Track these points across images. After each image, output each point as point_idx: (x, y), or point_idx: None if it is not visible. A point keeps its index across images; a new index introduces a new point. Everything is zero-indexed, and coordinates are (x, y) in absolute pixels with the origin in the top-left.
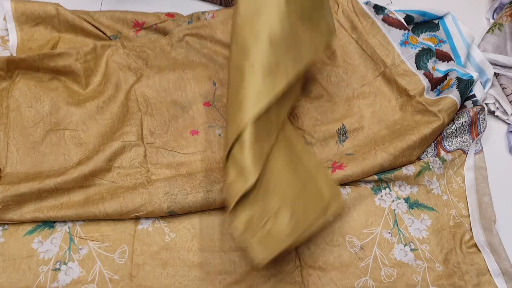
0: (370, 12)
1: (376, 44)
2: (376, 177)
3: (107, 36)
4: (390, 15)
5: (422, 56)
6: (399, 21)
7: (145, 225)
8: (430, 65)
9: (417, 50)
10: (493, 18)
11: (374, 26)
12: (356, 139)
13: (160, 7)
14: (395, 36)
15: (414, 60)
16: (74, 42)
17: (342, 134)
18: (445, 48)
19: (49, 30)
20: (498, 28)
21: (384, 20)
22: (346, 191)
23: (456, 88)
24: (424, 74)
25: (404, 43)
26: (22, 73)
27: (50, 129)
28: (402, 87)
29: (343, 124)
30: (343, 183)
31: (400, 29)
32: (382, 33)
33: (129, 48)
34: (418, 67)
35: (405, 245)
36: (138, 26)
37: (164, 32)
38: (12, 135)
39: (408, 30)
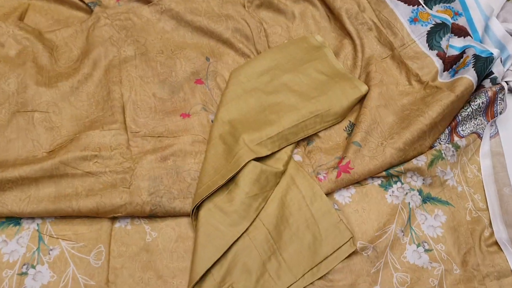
0: None
1: (383, 22)
2: (384, 173)
3: (84, 3)
4: None
5: (435, 34)
6: None
7: (123, 223)
8: (444, 43)
9: (428, 28)
10: None
11: (380, 0)
12: (363, 124)
13: None
14: (403, 12)
15: (425, 39)
16: (46, 9)
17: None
18: (461, 21)
19: None
20: None
21: None
22: (350, 192)
23: (473, 67)
24: (438, 54)
25: (413, 20)
26: None
27: (16, 110)
28: (413, 72)
29: (349, 121)
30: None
31: (408, 4)
32: (389, 9)
33: (111, 17)
34: (431, 47)
35: (418, 245)
36: None
37: (148, 0)
38: None
39: (418, 5)
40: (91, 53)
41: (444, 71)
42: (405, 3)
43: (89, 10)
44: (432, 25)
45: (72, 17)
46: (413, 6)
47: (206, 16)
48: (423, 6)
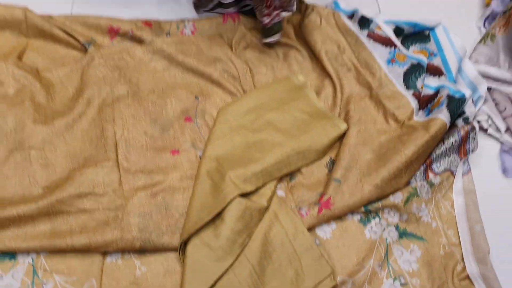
0: (354, 28)
1: (362, 63)
2: (363, 208)
3: (80, 43)
4: (376, 30)
5: (411, 75)
6: (385, 37)
7: (114, 258)
8: (419, 83)
9: (405, 69)
10: (485, 27)
11: (358, 43)
12: (342, 161)
13: (133, 12)
14: (381, 53)
15: (402, 79)
16: (43, 49)
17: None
18: (436, 61)
19: (16, 35)
20: (491, 39)
21: (369, 36)
22: (331, 227)
23: (446, 108)
24: (413, 94)
25: (391, 61)
26: None
27: (14, 148)
28: (390, 111)
29: (330, 158)
30: None
31: (386, 46)
32: (367, 51)
33: (105, 56)
34: (407, 87)
35: (394, 279)
36: (113, 32)
37: (140, 40)
38: None
39: (395, 47)
40: (86, 92)
41: (419, 110)
42: (382, 44)
43: (84, 49)
44: (408, 67)
45: (68, 56)
46: (390, 47)
47: (196, 57)
48: (399, 48)
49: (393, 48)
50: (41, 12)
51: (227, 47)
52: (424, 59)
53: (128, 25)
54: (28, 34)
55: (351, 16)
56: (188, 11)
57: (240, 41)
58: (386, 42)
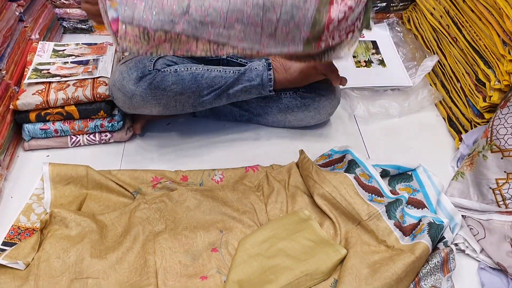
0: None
1: (351, 200)
2: None
3: (129, 192)
4: (360, 176)
5: (391, 207)
6: (368, 185)
7: None
8: (398, 214)
9: (383, 207)
10: (457, 166)
11: (348, 186)
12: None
13: (173, 167)
14: (363, 194)
15: (385, 210)
16: (99, 197)
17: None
18: (419, 196)
19: (79, 187)
20: (461, 176)
21: (355, 179)
22: None
23: (428, 234)
24: (394, 224)
25: (372, 200)
26: (53, 230)
27: (74, 277)
28: (379, 239)
29: (334, 279)
30: None
31: (366, 191)
32: (353, 189)
33: (149, 201)
34: (389, 217)
35: None
36: (156, 181)
37: (177, 187)
38: (42, 285)
39: (374, 194)
40: (132, 230)
41: (405, 236)
42: (363, 189)
43: (132, 197)
44: (386, 204)
45: (119, 202)
46: (369, 193)
47: (222, 200)
48: (376, 195)
49: (372, 195)
50: (98, 167)
51: (248, 191)
52: (405, 196)
53: (169, 176)
54: (88, 187)
55: (343, 157)
56: (216, 163)
57: (259, 184)
58: (368, 189)
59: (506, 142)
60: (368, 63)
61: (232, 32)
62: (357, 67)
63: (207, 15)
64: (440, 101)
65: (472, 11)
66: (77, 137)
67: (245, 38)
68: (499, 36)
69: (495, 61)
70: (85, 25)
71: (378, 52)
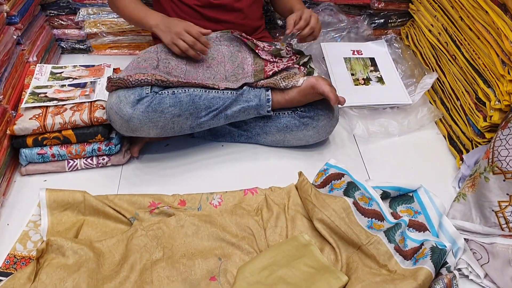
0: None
1: (350, 226)
2: None
3: (126, 218)
4: (359, 201)
5: (390, 231)
6: (368, 209)
7: None
8: (397, 237)
9: (382, 233)
10: (459, 187)
11: (347, 211)
12: None
13: (171, 190)
14: (361, 220)
15: (384, 235)
16: (96, 224)
17: None
18: (420, 218)
19: (76, 214)
20: (463, 197)
21: (354, 204)
22: None
23: (430, 259)
24: (395, 248)
25: (369, 227)
26: (50, 259)
27: None
28: (380, 263)
29: None
30: None
31: (365, 216)
32: (352, 214)
33: (146, 228)
34: (389, 241)
35: None
36: (154, 206)
37: (175, 213)
38: None
39: (374, 218)
40: (129, 258)
41: (407, 260)
42: (362, 214)
43: (129, 223)
44: (385, 229)
45: (116, 229)
46: (369, 218)
47: (220, 226)
48: (376, 219)
49: (371, 219)
50: (96, 191)
51: (247, 215)
52: (402, 221)
53: (167, 200)
54: (85, 213)
55: (341, 175)
56: (215, 184)
57: (258, 208)
58: (367, 213)
59: (508, 164)
60: (367, 80)
61: None
62: (355, 85)
63: None
64: (440, 119)
65: (470, 29)
66: (75, 161)
67: None
68: (498, 55)
69: (495, 81)
70: (83, 45)
71: (376, 69)
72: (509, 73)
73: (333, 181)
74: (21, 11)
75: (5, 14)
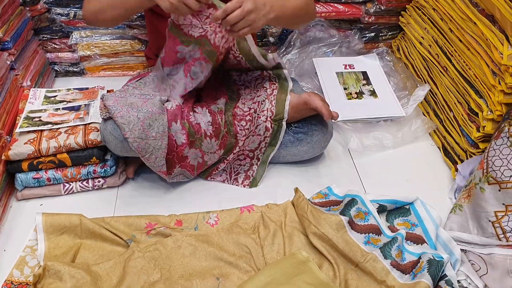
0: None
1: (345, 244)
2: None
3: (123, 240)
4: (354, 218)
5: (385, 247)
6: (364, 225)
7: None
8: (394, 252)
9: (378, 250)
10: (455, 198)
11: (340, 227)
12: None
13: (167, 209)
14: (357, 237)
15: (379, 251)
16: (94, 247)
17: None
18: (418, 231)
19: (72, 237)
20: (459, 208)
21: (349, 223)
22: None
23: (427, 272)
24: (391, 263)
25: (367, 242)
26: (47, 284)
27: None
28: (379, 280)
29: None
30: None
31: (361, 233)
32: (346, 233)
33: (143, 250)
34: (385, 257)
35: None
36: (150, 227)
37: (171, 234)
38: None
39: (371, 233)
40: (127, 281)
41: (405, 275)
42: (357, 232)
43: (126, 245)
44: (381, 245)
45: (114, 251)
46: (365, 233)
47: (217, 245)
48: (373, 233)
49: (368, 234)
50: (92, 214)
51: (243, 234)
52: (399, 235)
53: (164, 221)
54: (82, 236)
55: (341, 201)
56: (211, 203)
57: (255, 226)
58: (362, 230)
59: (502, 174)
60: (360, 94)
61: None
62: (348, 99)
63: None
64: (434, 131)
65: (460, 41)
66: (70, 185)
67: None
68: (488, 66)
69: (486, 91)
70: (76, 68)
71: (369, 83)
72: (499, 83)
73: (332, 206)
74: (14, 36)
75: None
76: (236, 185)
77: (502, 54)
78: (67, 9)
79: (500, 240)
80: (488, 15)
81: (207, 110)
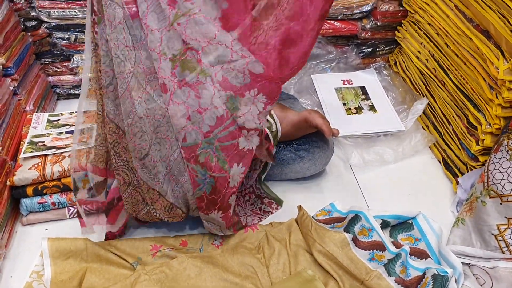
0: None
1: (350, 262)
2: None
3: (129, 263)
4: (358, 235)
5: (390, 264)
6: (368, 242)
7: None
8: (398, 269)
9: (382, 267)
10: (457, 211)
11: (345, 244)
12: None
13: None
14: (361, 254)
15: (384, 269)
16: (100, 270)
17: None
18: (421, 245)
19: (78, 261)
20: (461, 222)
21: (353, 240)
22: None
23: (432, 287)
24: (395, 280)
25: (371, 259)
26: None
27: None
28: None
29: None
30: None
31: (365, 250)
32: (350, 250)
33: (149, 272)
34: (389, 274)
35: None
36: (156, 249)
37: (177, 255)
38: None
39: (375, 249)
40: None
41: None
42: (362, 249)
43: (132, 268)
44: (386, 262)
45: (120, 274)
46: (369, 250)
47: (223, 267)
48: (377, 250)
49: (372, 251)
50: (96, 238)
51: (248, 254)
52: (402, 251)
53: (169, 243)
54: (88, 260)
55: (345, 217)
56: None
57: (260, 245)
58: (366, 247)
59: (503, 187)
60: (359, 109)
61: None
62: (347, 114)
63: None
64: (434, 144)
65: (457, 55)
66: (75, 208)
67: None
68: (485, 80)
69: (484, 105)
70: (78, 90)
71: (367, 98)
72: (497, 97)
73: (336, 223)
74: (17, 61)
75: (1, 66)
76: (271, 213)
77: (498, 69)
78: (68, 33)
79: (503, 253)
80: (483, 30)
81: None
